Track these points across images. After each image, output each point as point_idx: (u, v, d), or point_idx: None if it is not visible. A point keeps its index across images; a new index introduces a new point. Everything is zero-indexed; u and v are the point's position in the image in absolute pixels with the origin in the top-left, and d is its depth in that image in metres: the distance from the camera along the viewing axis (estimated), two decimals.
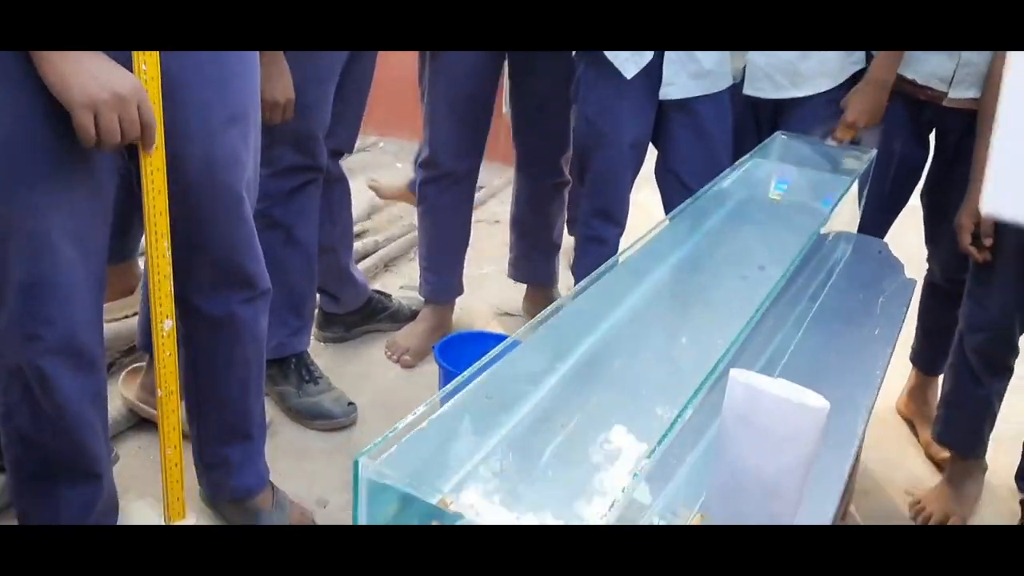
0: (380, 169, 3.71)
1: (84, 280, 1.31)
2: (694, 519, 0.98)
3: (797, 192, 1.55)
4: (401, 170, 3.69)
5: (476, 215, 2.98)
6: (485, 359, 0.89)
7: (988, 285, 1.81)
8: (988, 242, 1.75)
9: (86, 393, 1.37)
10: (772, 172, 1.62)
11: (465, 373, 0.86)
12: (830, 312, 1.51)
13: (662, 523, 0.97)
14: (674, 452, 0.96)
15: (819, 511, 1.01)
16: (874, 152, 1.75)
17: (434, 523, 0.71)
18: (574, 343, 1.00)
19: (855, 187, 1.65)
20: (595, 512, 0.71)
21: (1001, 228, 1.74)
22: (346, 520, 1.81)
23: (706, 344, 0.99)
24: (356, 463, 0.72)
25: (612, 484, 0.75)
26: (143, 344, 1.93)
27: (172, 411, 1.44)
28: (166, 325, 1.40)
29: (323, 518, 1.75)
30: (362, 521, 0.74)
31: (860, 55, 1.91)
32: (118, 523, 1.56)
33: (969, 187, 1.76)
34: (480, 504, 0.72)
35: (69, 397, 1.34)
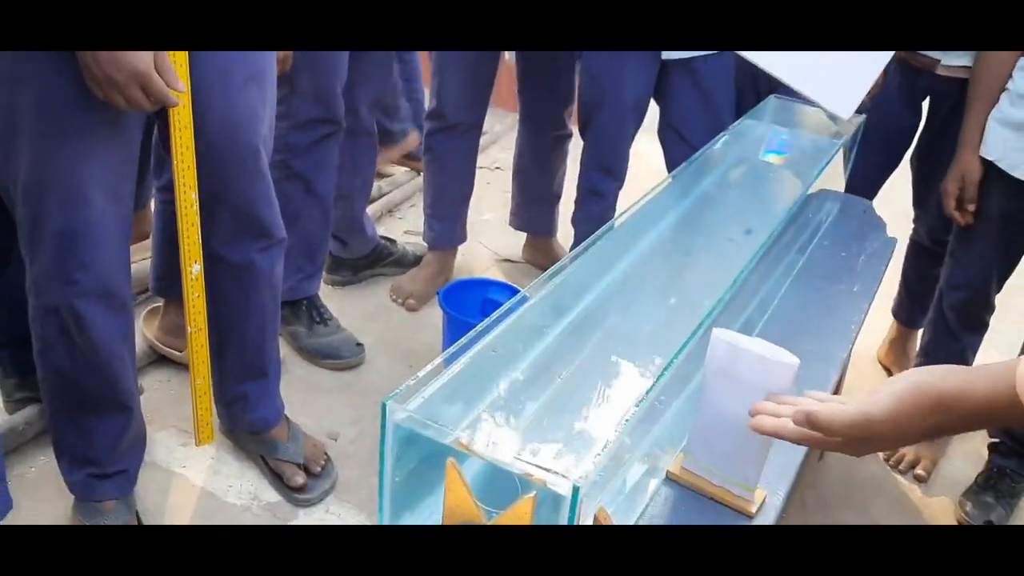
0: None
1: (115, 227, 1.40)
2: (677, 457, 1.09)
3: (787, 154, 1.64)
4: None
5: (478, 162, 3.05)
6: (494, 316, 0.99)
7: (969, 247, 1.91)
8: (972, 207, 1.84)
9: (117, 331, 1.47)
10: (764, 134, 1.70)
11: (477, 327, 0.96)
12: (813, 268, 1.61)
13: (648, 462, 1.08)
14: (660, 399, 1.07)
15: (790, 453, 1.12)
16: (863, 117, 1.82)
17: (449, 460, 0.82)
18: (572, 302, 1.10)
19: (842, 150, 1.74)
20: (591, 452, 0.81)
21: (984, 194, 1.83)
22: (355, 452, 1.95)
23: (693, 304, 1.09)
24: (384, 406, 0.83)
25: (605, 427, 0.86)
26: (156, 288, 2.03)
27: (201, 346, 1.56)
28: (194, 269, 1.51)
29: (334, 450, 1.88)
30: (387, 456, 0.85)
31: None
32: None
33: (956, 154, 1.84)
34: (488, 444, 0.83)
35: (102, 335, 1.45)
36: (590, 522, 0.82)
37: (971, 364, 2.09)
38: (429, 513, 0.92)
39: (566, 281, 1.12)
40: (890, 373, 2.41)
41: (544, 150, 2.49)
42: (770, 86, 2.06)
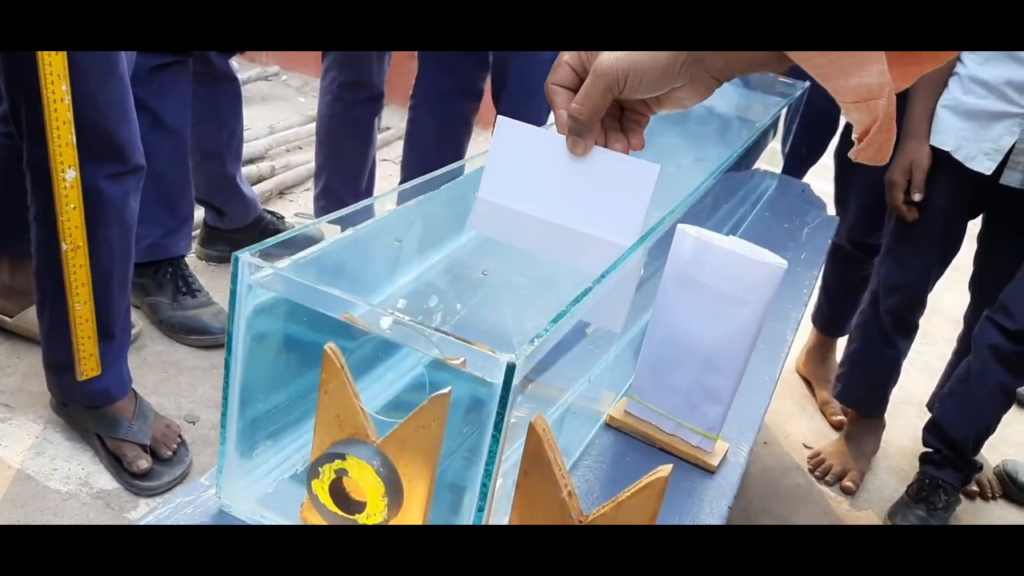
0: (281, 102, 3.49)
1: None
2: (620, 401, 0.87)
3: (728, 108, 1.48)
4: (304, 104, 3.48)
5: (382, 154, 2.82)
6: (384, 195, 0.75)
7: (911, 244, 1.78)
8: (918, 197, 1.71)
9: None
10: None
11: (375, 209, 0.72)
12: (756, 236, 1.43)
13: (584, 405, 0.85)
14: (598, 343, 0.85)
15: (757, 399, 0.92)
16: (807, 84, 1.69)
17: (329, 345, 0.58)
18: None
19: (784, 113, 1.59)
20: (527, 339, 0.58)
21: (929, 186, 1.70)
22: (217, 438, 1.64)
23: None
24: (236, 259, 0.58)
25: (544, 318, 0.63)
26: None
27: (80, 266, 1.34)
28: (68, 176, 1.27)
29: (191, 435, 1.58)
30: (237, 341, 0.60)
31: None
32: None
33: (901, 143, 1.72)
34: (387, 324, 0.58)
35: None
36: (524, 428, 0.59)
37: (900, 371, 1.96)
38: (295, 434, 0.67)
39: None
40: (810, 385, 2.27)
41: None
42: None
